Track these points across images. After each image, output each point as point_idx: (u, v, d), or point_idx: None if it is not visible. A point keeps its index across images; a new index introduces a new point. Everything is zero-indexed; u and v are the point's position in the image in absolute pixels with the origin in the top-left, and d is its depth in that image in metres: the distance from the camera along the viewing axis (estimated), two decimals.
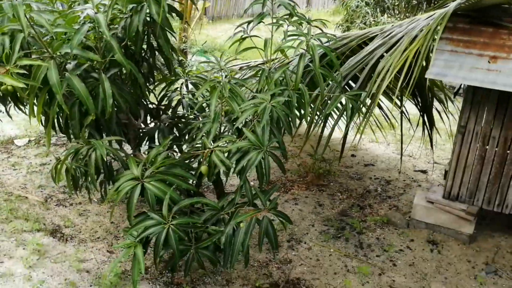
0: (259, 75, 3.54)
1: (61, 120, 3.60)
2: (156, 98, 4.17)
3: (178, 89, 4.25)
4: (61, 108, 3.36)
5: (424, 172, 5.74)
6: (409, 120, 5.08)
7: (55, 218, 4.21)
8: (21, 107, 4.35)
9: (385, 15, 8.96)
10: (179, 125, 4.11)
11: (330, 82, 3.86)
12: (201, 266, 3.21)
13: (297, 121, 3.80)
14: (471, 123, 3.75)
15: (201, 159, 3.29)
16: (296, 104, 3.32)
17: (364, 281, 3.60)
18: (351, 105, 3.29)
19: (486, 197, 3.91)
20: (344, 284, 3.55)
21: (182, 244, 3.13)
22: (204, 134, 3.32)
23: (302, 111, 3.50)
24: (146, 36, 3.43)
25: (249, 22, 3.55)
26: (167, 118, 4.12)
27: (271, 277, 3.60)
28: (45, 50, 3.13)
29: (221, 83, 3.22)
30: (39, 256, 3.64)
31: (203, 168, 3.21)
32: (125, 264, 3.60)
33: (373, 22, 8.84)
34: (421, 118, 4.93)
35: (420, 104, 4.78)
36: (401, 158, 4.79)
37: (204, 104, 4.25)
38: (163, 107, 4.24)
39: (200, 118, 4.09)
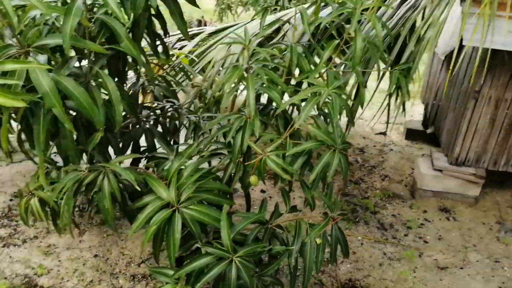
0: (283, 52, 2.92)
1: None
2: None
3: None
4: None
5: (383, 134, 5.72)
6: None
7: (15, 266, 3.13)
8: None
9: None
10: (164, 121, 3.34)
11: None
12: None
13: None
14: (485, 87, 3.66)
15: (235, 165, 2.69)
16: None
17: (412, 266, 3.38)
18: (404, 82, 2.90)
19: (493, 159, 3.94)
20: (398, 275, 3.29)
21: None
22: (234, 134, 2.65)
23: None
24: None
25: None
26: (148, 114, 3.29)
27: (325, 286, 3.17)
28: (17, 44, 2.11)
29: (253, 69, 2.58)
30: None
31: (253, 179, 2.58)
32: None
33: None
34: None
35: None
36: (387, 125, 4.57)
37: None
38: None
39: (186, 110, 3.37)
